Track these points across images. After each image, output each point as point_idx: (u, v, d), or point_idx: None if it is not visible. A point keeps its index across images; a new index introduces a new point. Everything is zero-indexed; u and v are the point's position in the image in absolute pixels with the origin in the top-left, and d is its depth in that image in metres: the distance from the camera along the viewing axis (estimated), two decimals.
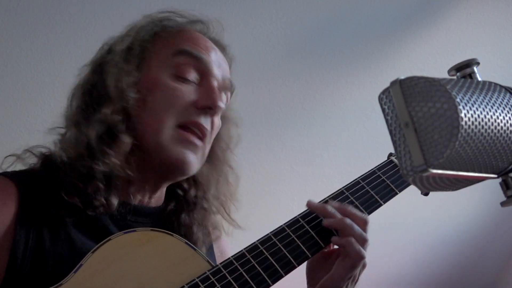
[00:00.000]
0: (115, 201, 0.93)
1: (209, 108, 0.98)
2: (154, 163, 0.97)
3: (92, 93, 0.98)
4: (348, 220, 0.92)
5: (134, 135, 0.96)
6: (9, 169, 0.97)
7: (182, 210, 1.05)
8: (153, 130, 0.95)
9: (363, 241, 0.91)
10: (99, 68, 1.01)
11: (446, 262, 3.03)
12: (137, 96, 0.96)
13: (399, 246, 2.85)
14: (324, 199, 1.00)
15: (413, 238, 2.86)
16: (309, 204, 0.97)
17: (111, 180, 0.94)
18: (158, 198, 1.04)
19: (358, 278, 0.92)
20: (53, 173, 0.94)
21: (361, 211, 0.98)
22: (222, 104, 0.99)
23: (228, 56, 1.10)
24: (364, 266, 0.92)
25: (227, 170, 1.11)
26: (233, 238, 1.11)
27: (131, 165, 0.95)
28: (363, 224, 0.93)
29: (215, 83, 1.00)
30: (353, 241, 0.90)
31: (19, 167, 0.99)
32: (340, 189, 1.01)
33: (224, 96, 1.04)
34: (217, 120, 1.02)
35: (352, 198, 1.00)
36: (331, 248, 0.98)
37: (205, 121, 0.98)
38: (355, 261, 0.89)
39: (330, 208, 0.95)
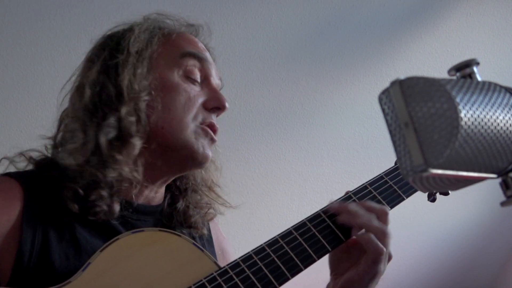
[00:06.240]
0: (117, 208, 0.94)
1: (218, 109, 1.03)
2: (171, 160, 0.99)
3: (101, 95, 0.97)
4: (359, 219, 0.93)
5: (143, 137, 0.96)
6: (3, 171, 0.97)
7: (177, 199, 1.08)
8: (174, 128, 0.97)
9: (382, 235, 0.92)
10: (108, 69, 0.99)
11: (445, 262, 3.03)
12: (150, 98, 0.97)
13: (398, 246, 2.85)
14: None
15: (413, 238, 2.86)
16: (330, 207, 0.97)
17: (117, 186, 0.93)
18: (160, 194, 1.05)
19: (383, 270, 0.93)
20: (56, 175, 0.94)
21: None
22: (228, 104, 1.04)
23: (213, 57, 1.13)
24: (389, 258, 0.93)
25: None
26: (234, 238, 1.12)
27: (139, 168, 0.96)
28: (384, 216, 0.95)
29: (217, 84, 1.07)
30: (371, 238, 0.91)
31: (11, 169, 0.98)
32: (348, 193, 1.02)
33: None
34: None
35: None
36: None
37: (215, 120, 1.03)
38: (375, 257, 0.91)
39: (351, 206, 0.95)
